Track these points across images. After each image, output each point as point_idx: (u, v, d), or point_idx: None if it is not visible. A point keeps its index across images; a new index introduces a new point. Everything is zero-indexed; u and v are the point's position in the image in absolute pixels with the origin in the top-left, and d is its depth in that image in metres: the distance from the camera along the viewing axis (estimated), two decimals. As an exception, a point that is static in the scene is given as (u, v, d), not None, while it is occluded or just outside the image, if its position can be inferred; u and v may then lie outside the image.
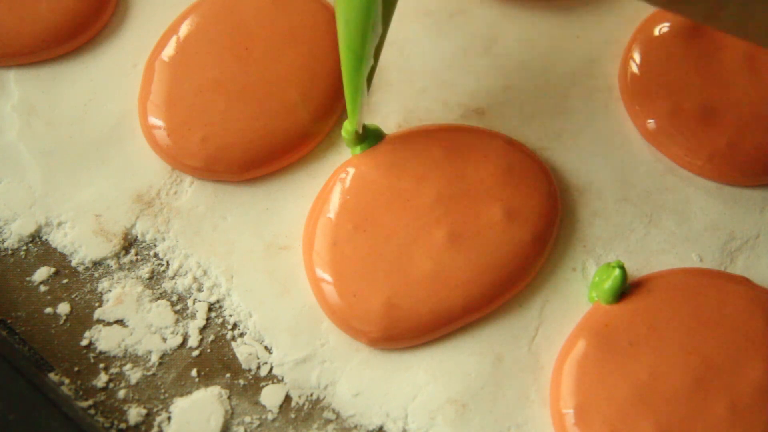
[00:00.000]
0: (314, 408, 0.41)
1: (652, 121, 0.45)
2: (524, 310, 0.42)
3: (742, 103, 0.45)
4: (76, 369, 0.41)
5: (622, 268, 0.40)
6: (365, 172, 0.43)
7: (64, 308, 0.42)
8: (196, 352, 0.41)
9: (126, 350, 0.41)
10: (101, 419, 0.40)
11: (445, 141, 0.43)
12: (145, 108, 0.44)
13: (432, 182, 0.42)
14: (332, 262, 0.41)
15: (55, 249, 0.43)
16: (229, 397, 0.41)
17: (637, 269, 0.42)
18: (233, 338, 0.42)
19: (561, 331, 0.41)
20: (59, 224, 0.44)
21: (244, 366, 0.41)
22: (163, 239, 0.43)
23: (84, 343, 0.41)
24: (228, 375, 0.41)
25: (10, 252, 0.43)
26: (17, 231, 0.43)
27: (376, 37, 0.38)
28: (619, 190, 0.45)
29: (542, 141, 0.45)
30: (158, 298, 0.42)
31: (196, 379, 0.41)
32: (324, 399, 0.41)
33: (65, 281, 0.43)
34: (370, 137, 0.43)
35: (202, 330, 0.42)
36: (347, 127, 0.42)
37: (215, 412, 0.40)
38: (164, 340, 0.42)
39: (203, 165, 0.44)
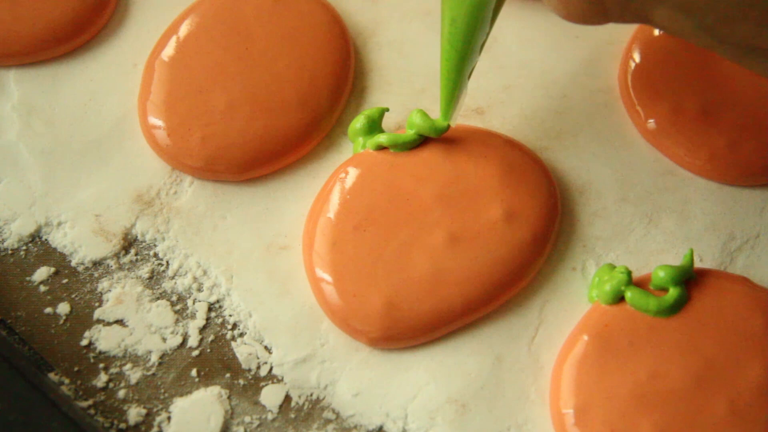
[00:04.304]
0: (314, 408, 0.40)
1: (652, 121, 0.45)
2: (524, 310, 0.42)
3: (742, 103, 0.45)
4: (76, 369, 0.41)
5: (627, 273, 0.40)
6: (365, 171, 0.43)
7: (64, 308, 0.42)
8: (195, 352, 0.41)
9: (126, 350, 0.41)
10: (101, 419, 0.40)
11: (445, 141, 0.43)
12: (145, 108, 0.44)
13: (432, 182, 0.42)
14: (332, 262, 0.41)
15: (54, 249, 0.43)
16: (229, 397, 0.41)
17: (637, 269, 0.42)
18: (233, 338, 0.42)
19: (561, 331, 0.41)
20: (59, 224, 0.44)
21: (244, 366, 0.41)
22: (163, 239, 0.43)
23: (84, 343, 0.41)
24: (228, 375, 0.41)
25: (10, 252, 0.43)
26: (17, 231, 0.43)
27: (483, 37, 0.38)
28: (619, 190, 0.44)
29: (542, 141, 0.45)
30: (158, 298, 0.42)
31: (196, 379, 0.41)
32: (324, 399, 0.41)
33: (65, 281, 0.43)
34: (377, 129, 0.44)
35: (202, 330, 0.42)
36: (440, 124, 0.42)
37: (215, 412, 0.40)
38: (164, 340, 0.42)
39: (203, 165, 0.44)
